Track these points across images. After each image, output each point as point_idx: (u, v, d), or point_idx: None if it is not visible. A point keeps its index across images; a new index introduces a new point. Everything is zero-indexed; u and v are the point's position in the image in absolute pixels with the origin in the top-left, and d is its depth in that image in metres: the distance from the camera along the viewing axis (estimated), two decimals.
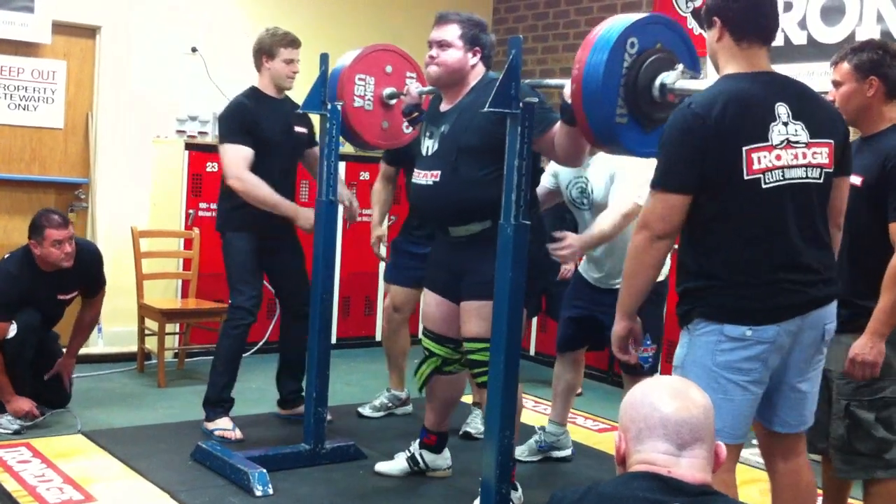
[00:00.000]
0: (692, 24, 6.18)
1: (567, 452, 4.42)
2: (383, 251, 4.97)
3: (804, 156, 2.61)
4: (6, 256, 4.59)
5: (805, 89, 2.72)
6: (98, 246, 4.78)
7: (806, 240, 2.62)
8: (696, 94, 2.64)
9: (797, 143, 2.60)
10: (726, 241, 2.59)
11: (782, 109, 2.59)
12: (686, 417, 1.78)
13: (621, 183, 3.82)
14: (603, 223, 3.77)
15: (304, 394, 4.76)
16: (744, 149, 2.53)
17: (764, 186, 2.55)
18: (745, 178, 2.54)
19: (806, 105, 2.65)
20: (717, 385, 2.58)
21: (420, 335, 3.91)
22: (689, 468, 1.76)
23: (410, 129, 4.30)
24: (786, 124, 2.59)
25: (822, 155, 2.64)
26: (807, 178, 2.62)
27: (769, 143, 2.56)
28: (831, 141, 2.67)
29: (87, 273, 4.61)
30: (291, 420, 4.71)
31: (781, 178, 2.57)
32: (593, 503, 1.77)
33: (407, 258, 4.67)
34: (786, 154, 2.58)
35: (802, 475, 2.86)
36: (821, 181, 2.65)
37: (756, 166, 2.54)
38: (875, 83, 3.04)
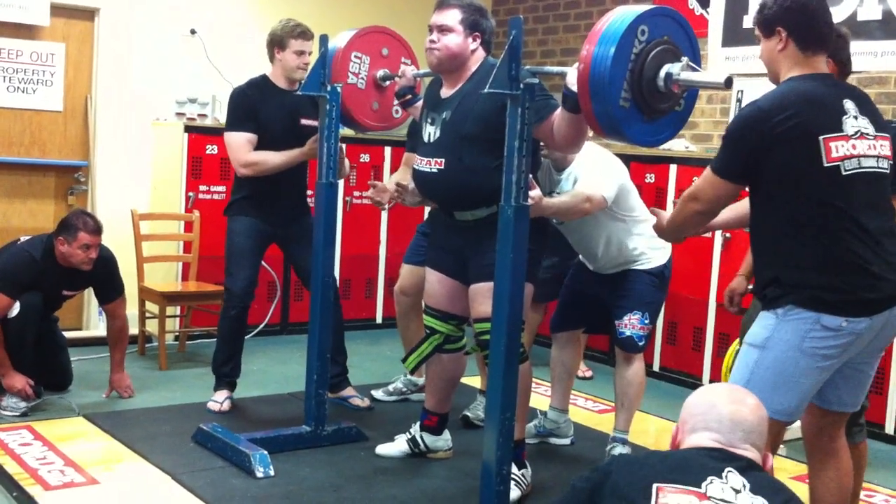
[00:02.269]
0: (693, 4, 6.16)
1: (566, 441, 4.40)
2: (377, 196, 4.42)
3: (874, 147, 2.72)
4: (27, 239, 4.61)
5: (860, 90, 2.88)
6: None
7: (885, 229, 2.73)
8: (765, 94, 2.74)
9: (868, 134, 2.71)
10: (816, 230, 2.67)
11: (849, 105, 2.72)
12: (740, 420, 2.04)
13: (587, 176, 3.83)
14: (567, 196, 3.75)
15: (347, 376, 4.84)
16: (820, 138, 2.64)
17: (844, 174, 2.65)
18: (825, 165, 2.64)
19: (865, 103, 2.79)
20: (794, 368, 2.69)
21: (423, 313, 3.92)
22: (741, 454, 2.00)
23: (399, 113, 4.30)
24: (856, 118, 2.71)
25: (885, 147, 2.77)
26: (878, 167, 2.73)
27: (844, 134, 2.67)
28: (889, 136, 2.81)
29: (97, 276, 4.63)
30: (292, 401, 4.73)
31: (858, 167, 2.67)
32: (658, 460, 2.04)
33: (424, 240, 4.64)
34: (860, 144, 2.69)
35: (845, 454, 2.98)
36: (888, 172, 2.78)
37: (834, 154, 2.64)
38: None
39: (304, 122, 4.53)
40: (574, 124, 3.18)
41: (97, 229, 4.47)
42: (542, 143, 3.63)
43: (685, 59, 2.83)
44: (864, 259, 2.66)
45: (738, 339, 3.64)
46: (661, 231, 3.13)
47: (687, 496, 1.90)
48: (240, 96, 4.59)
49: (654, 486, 1.93)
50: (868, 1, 5.27)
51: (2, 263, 4.44)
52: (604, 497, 1.99)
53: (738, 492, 1.91)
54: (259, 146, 4.52)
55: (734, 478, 1.94)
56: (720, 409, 2.05)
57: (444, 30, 3.57)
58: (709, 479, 1.92)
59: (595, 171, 3.82)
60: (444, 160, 3.57)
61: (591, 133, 3.28)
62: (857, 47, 5.27)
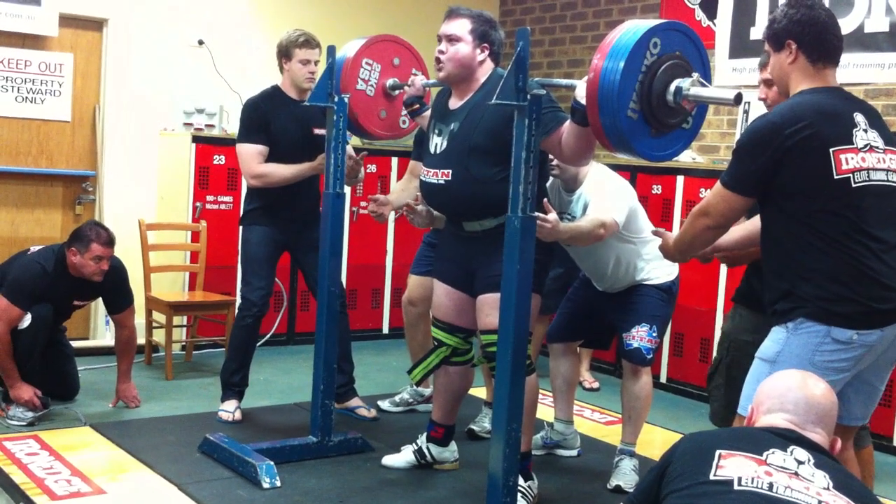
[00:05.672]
0: (700, 15, 6.17)
1: (573, 453, 4.39)
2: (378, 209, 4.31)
3: (883, 161, 2.72)
4: (38, 249, 4.62)
5: (870, 105, 2.88)
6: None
7: (895, 242, 2.72)
8: (777, 107, 2.75)
9: (877, 148, 2.72)
10: (827, 242, 2.67)
11: (860, 118, 2.72)
12: (815, 403, 2.18)
13: (598, 200, 3.82)
14: (583, 221, 3.72)
15: (354, 386, 4.84)
16: (831, 150, 2.64)
17: (854, 185, 2.66)
18: (836, 177, 2.64)
19: (875, 117, 2.79)
20: None
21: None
22: (810, 436, 2.13)
23: (407, 123, 4.30)
24: (865, 131, 2.72)
25: (895, 161, 2.76)
26: (888, 181, 2.73)
27: (854, 146, 2.67)
28: None
29: (107, 287, 4.64)
30: (298, 411, 4.72)
31: (867, 179, 2.68)
32: (727, 432, 2.30)
33: (430, 250, 4.62)
34: (870, 157, 2.69)
35: (854, 466, 2.96)
36: None
37: (844, 166, 2.65)
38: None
39: (316, 131, 4.52)
40: (582, 137, 3.17)
41: (110, 241, 4.48)
42: (551, 158, 3.63)
43: (695, 75, 2.84)
44: (875, 271, 2.65)
45: (720, 347, 3.56)
46: (668, 251, 3.11)
47: (747, 461, 2.03)
48: (251, 108, 4.61)
49: (718, 451, 2.08)
50: (875, 13, 5.27)
51: (13, 275, 4.45)
52: (673, 464, 2.14)
53: (800, 463, 2.04)
54: (272, 156, 4.54)
55: (799, 452, 2.06)
56: (796, 392, 2.20)
57: (452, 40, 3.57)
58: (771, 449, 2.06)
59: (606, 196, 3.81)
60: (451, 171, 3.56)
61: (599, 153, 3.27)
62: (864, 59, 5.31)
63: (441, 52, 3.59)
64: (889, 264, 2.68)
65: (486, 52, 3.60)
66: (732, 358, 3.37)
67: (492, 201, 3.44)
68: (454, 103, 3.66)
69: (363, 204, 6.46)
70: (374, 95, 4.20)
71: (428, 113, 3.93)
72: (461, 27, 3.57)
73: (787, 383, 2.24)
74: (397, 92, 4.21)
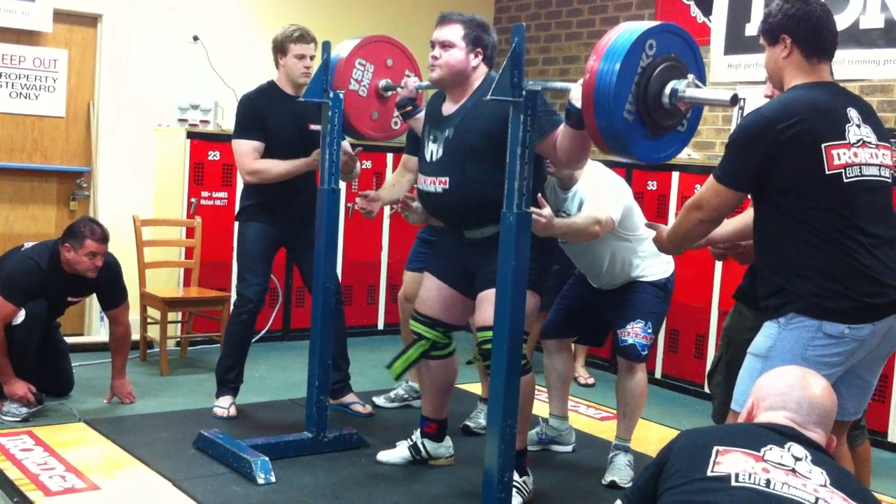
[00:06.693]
0: (695, 11, 6.17)
1: (568, 449, 4.39)
2: (367, 206, 4.36)
3: (876, 156, 2.73)
4: (31, 245, 4.61)
5: (864, 100, 2.89)
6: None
7: (889, 237, 2.74)
8: (770, 101, 2.76)
9: (870, 143, 2.72)
10: (820, 238, 2.67)
11: (853, 113, 2.73)
12: (817, 403, 2.17)
13: (593, 197, 3.81)
14: (578, 218, 3.72)
15: (349, 382, 4.85)
16: (823, 146, 2.65)
17: (845, 181, 2.66)
18: (827, 173, 2.65)
19: (868, 113, 2.80)
20: None
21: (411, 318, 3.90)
22: (810, 435, 2.13)
23: (399, 125, 4.29)
24: (858, 126, 2.72)
25: (887, 157, 2.78)
26: (880, 176, 2.74)
27: (847, 142, 2.68)
28: (890, 146, 2.82)
29: (102, 283, 4.64)
30: (293, 408, 4.73)
31: (860, 175, 2.68)
32: (724, 429, 2.31)
33: (424, 246, 4.63)
34: (862, 152, 2.70)
35: (847, 461, 2.97)
36: (890, 181, 2.78)
37: (836, 162, 2.66)
38: None
39: (312, 127, 4.50)
40: (578, 140, 3.15)
41: (104, 237, 4.47)
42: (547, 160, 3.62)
43: (691, 77, 2.84)
44: (867, 266, 2.66)
45: (721, 344, 3.58)
46: (662, 243, 3.11)
47: (744, 457, 2.03)
48: (247, 104, 4.59)
49: (715, 448, 2.07)
50: (870, 9, 5.27)
51: (7, 271, 4.44)
52: (670, 461, 2.13)
53: (798, 460, 2.03)
54: (268, 152, 4.52)
55: (797, 448, 2.05)
56: (800, 391, 2.18)
57: (446, 45, 3.56)
58: (769, 446, 2.05)
59: (601, 193, 3.81)
60: (448, 178, 3.55)
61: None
62: (859, 55, 5.32)
63: (435, 57, 3.59)
64: (881, 259, 2.69)
65: (480, 57, 3.59)
66: (732, 355, 3.38)
67: (490, 205, 3.40)
68: (448, 108, 3.65)
69: (358, 200, 6.45)
70: (367, 96, 4.19)
71: (421, 115, 3.92)
72: (454, 33, 3.56)
73: (788, 381, 2.22)
74: (390, 93, 4.20)
